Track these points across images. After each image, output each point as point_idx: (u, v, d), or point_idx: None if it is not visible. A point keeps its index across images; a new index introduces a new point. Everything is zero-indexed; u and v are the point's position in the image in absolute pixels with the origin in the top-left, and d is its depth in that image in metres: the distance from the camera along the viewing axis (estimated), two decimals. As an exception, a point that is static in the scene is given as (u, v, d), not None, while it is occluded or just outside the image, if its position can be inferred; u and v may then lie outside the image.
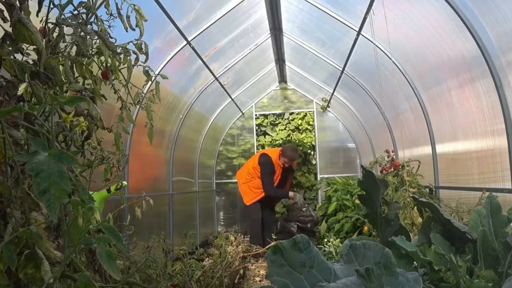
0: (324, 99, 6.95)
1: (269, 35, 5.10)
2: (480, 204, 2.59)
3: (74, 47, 1.33)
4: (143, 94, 1.74)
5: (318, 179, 6.91)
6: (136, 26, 1.52)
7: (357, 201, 4.35)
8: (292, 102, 7.36)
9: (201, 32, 4.03)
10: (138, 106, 1.78)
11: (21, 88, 1.02)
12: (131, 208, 1.84)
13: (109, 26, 1.44)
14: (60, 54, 1.24)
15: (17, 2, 1.03)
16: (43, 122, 0.95)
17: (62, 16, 1.26)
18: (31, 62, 1.13)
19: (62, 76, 1.24)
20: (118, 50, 1.45)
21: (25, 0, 1.07)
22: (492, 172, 2.85)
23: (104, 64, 1.43)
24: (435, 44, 3.21)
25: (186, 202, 5.84)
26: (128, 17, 1.49)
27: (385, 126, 4.92)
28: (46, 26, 1.23)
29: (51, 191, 0.73)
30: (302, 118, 7.29)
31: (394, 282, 1.05)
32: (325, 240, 4.07)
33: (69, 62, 1.26)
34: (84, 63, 1.32)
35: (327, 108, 7.06)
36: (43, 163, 0.75)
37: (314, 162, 7.17)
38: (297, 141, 7.08)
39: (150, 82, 1.74)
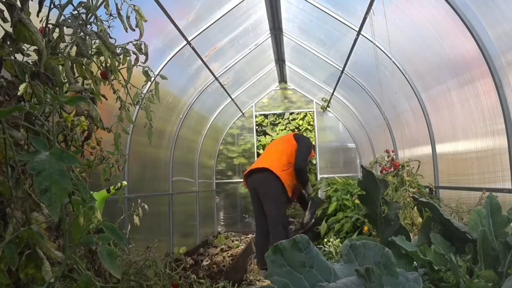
0: (324, 99, 6.95)
1: (269, 35, 5.10)
2: (480, 204, 2.59)
3: (74, 47, 1.33)
4: (142, 95, 1.74)
5: (318, 179, 6.92)
6: (136, 26, 1.52)
7: (357, 201, 4.35)
8: (292, 102, 7.37)
9: (201, 32, 4.03)
10: (137, 106, 1.78)
11: (21, 88, 1.02)
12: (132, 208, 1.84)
13: (109, 26, 1.44)
14: (60, 55, 1.24)
15: (18, 3, 1.03)
16: (44, 122, 0.95)
17: (62, 17, 1.26)
18: (31, 62, 1.13)
19: (62, 77, 1.24)
20: (118, 51, 1.45)
21: (27, 0, 1.07)
22: (492, 172, 2.85)
23: (103, 65, 1.43)
24: (435, 44, 3.21)
25: (186, 202, 5.85)
26: (128, 17, 1.49)
27: (385, 126, 4.92)
28: (47, 27, 1.23)
29: (52, 190, 0.73)
30: (302, 119, 7.30)
31: (394, 282, 1.05)
32: (325, 240, 4.07)
33: (69, 62, 1.27)
34: (84, 64, 1.32)
35: (327, 108, 7.07)
36: (44, 162, 0.75)
37: (314, 162, 7.17)
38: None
39: (149, 82, 1.74)
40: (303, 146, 4.45)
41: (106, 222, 0.97)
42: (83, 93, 1.28)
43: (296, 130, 7.30)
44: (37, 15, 1.22)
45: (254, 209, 4.57)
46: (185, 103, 5.07)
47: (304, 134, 7.15)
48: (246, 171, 4.57)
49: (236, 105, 6.82)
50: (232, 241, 6.33)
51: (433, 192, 3.66)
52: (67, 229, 0.88)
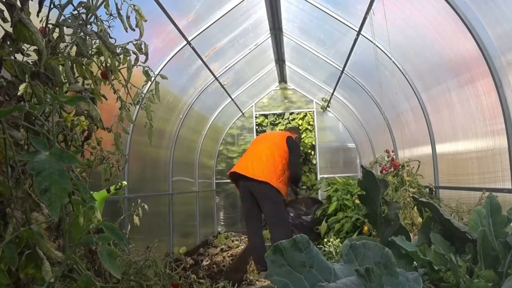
0: (324, 99, 6.95)
1: (269, 35, 5.10)
2: (480, 204, 2.59)
3: (74, 47, 1.33)
4: (142, 94, 1.74)
5: (318, 179, 6.92)
6: (136, 26, 1.52)
7: (357, 201, 4.35)
8: (292, 102, 7.37)
9: (201, 32, 4.03)
10: (138, 106, 1.78)
11: (21, 88, 1.02)
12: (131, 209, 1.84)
13: (109, 26, 1.44)
14: (60, 55, 1.24)
15: (18, 3, 1.03)
16: (44, 122, 0.95)
17: (62, 17, 1.26)
18: (31, 62, 1.13)
19: (62, 77, 1.24)
20: (118, 50, 1.45)
21: (27, 0, 1.07)
22: (492, 172, 2.85)
23: (103, 65, 1.43)
24: (435, 44, 3.21)
25: (186, 202, 5.85)
26: (128, 17, 1.49)
27: (385, 126, 4.92)
28: (47, 27, 1.23)
29: (52, 190, 0.73)
30: (302, 118, 7.30)
31: (394, 282, 1.05)
32: (325, 240, 4.07)
33: (69, 62, 1.27)
34: (84, 64, 1.32)
35: (327, 108, 7.07)
36: (44, 162, 0.75)
37: (314, 162, 7.17)
38: (297, 141, 7.06)
39: (149, 82, 1.74)
40: (296, 153, 4.73)
41: (106, 222, 0.97)
42: (83, 93, 1.28)
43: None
44: (37, 15, 1.22)
45: (247, 210, 4.58)
46: (185, 103, 5.07)
47: (304, 134, 7.17)
48: (234, 170, 4.58)
49: (236, 105, 6.82)
50: (232, 241, 6.33)
51: (433, 192, 3.66)
52: (67, 229, 0.88)
